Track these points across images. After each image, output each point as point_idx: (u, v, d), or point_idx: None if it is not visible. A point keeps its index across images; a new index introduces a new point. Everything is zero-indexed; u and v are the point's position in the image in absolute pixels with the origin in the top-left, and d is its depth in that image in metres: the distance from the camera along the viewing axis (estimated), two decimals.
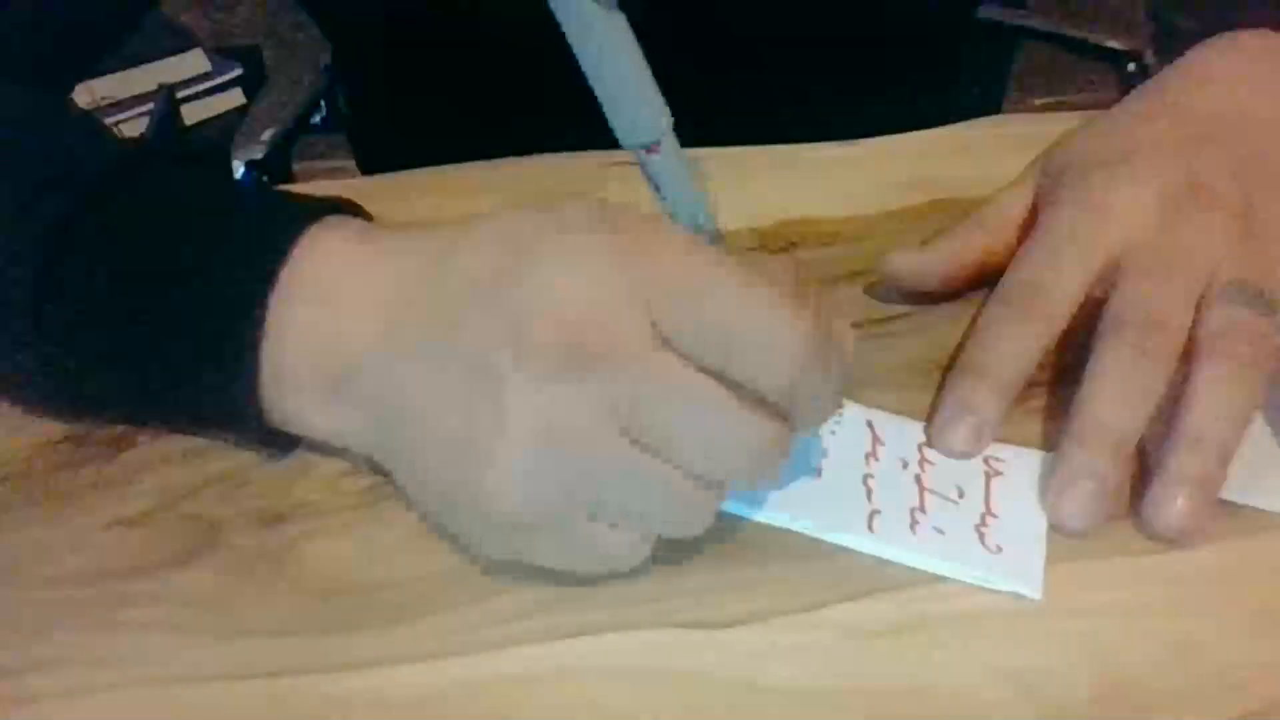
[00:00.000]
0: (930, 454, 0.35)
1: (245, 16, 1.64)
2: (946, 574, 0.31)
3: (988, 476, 0.34)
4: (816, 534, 0.32)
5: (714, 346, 0.27)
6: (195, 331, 0.31)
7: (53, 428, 0.36)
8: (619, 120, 0.28)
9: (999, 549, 0.32)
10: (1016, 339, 0.35)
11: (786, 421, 0.28)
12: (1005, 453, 0.35)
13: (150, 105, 1.35)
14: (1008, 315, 0.36)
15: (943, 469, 0.34)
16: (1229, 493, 0.33)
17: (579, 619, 0.30)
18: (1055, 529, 0.33)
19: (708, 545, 0.32)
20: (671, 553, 0.32)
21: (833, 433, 0.35)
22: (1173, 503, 0.32)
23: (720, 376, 0.27)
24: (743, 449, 0.27)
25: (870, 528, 0.32)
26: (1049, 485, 0.33)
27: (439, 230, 0.31)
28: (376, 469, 0.33)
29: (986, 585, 0.31)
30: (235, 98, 1.45)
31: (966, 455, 0.35)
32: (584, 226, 0.28)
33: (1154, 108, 0.41)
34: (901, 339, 0.40)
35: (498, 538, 0.29)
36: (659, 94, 0.28)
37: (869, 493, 0.33)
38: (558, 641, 0.30)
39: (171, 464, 0.35)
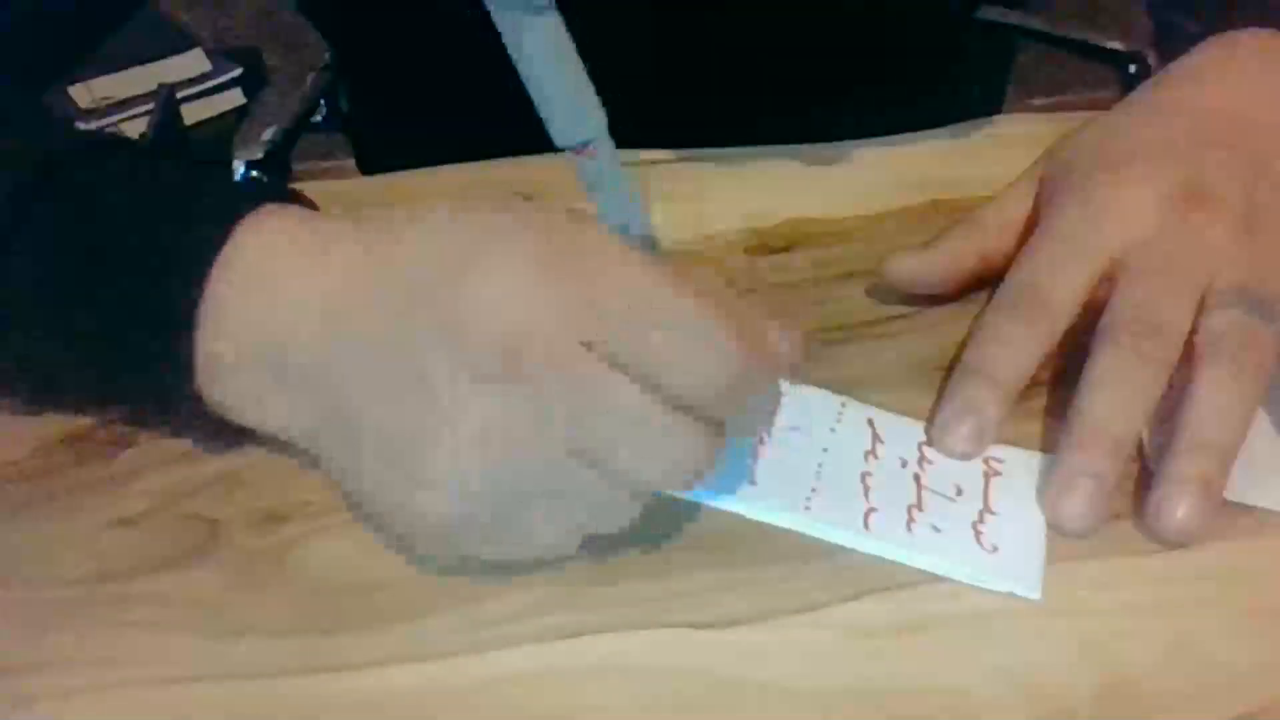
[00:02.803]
0: (930, 453, 0.35)
1: (245, 16, 1.64)
2: (942, 573, 0.31)
3: (987, 477, 0.34)
4: (813, 532, 0.32)
5: (644, 358, 0.27)
6: (129, 320, 0.31)
7: (53, 428, 0.36)
8: (551, 121, 0.28)
9: (995, 549, 0.32)
10: (1018, 340, 0.35)
11: (718, 430, 0.28)
12: (1005, 453, 0.35)
13: (150, 105, 1.35)
14: (1009, 317, 0.36)
15: (942, 469, 0.34)
16: (1230, 493, 0.33)
17: (578, 619, 0.30)
18: (1055, 530, 0.33)
19: (708, 545, 0.32)
20: (671, 553, 0.32)
21: (833, 430, 0.35)
22: (1176, 506, 0.32)
23: (651, 386, 0.27)
24: (666, 460, 0.28)
25: (866, 526, 0.32)
26: (1048, 487, 0.33)
27: (380, 222, 0.30)
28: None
29: (982, 585, 0.31)
30: (235, 98, 1.45)
31: (967, 456, 0.35)
32: (523, 236, 0.28)
33: (1156, 108, 0.41)
34: (901, 339, 0.40)
35: (429, 538, 0.29)
36: (593, 95, 0.28)
37: (866, 491, 0.34)
38: (557, 641, 0.30)
39: (171, 464, 0.35)
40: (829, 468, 0.34)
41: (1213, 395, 0.33)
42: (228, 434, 0.33)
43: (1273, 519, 0.33)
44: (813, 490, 0.33)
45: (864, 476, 0.34)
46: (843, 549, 0.32)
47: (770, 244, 0.44)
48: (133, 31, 0.52)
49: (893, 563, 0.32)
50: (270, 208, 0.32)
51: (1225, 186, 0.36)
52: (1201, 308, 0.34)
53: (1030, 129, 0.48)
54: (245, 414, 0.32)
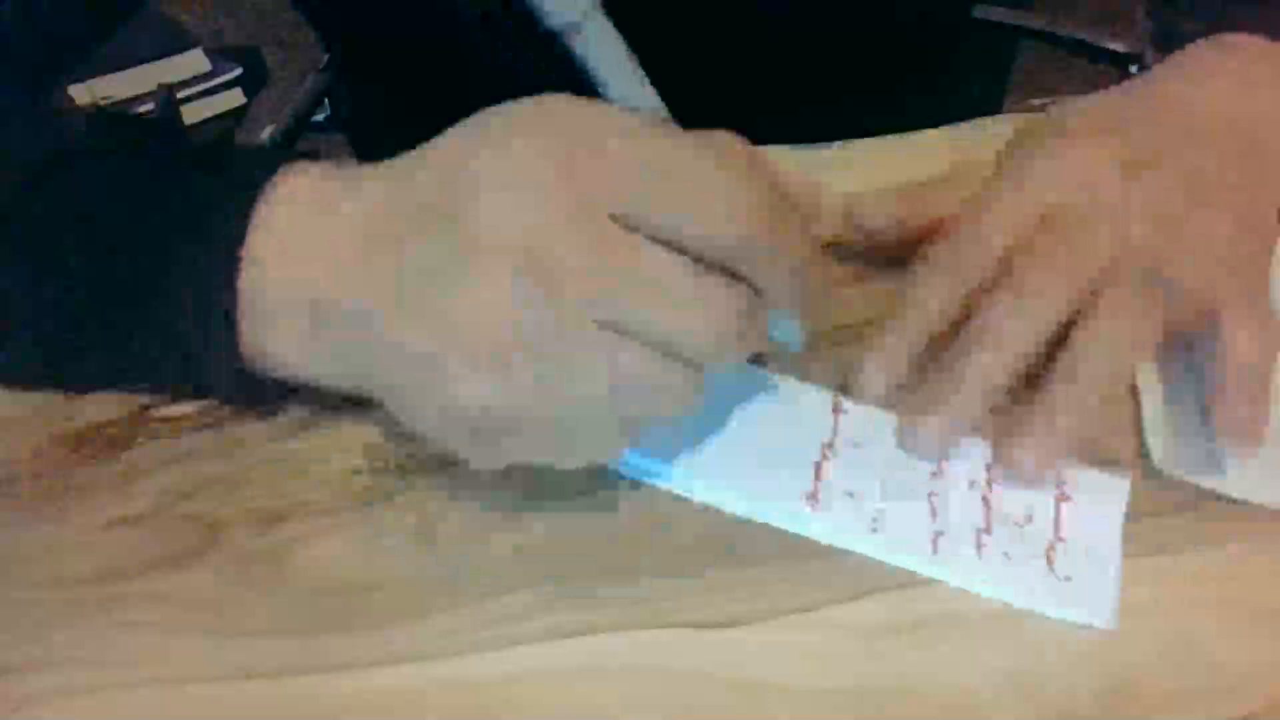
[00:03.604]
0: (997, 474, 0.34)
1: (245, 16, 1.64)
2: (1013, 601, 0.31)
3: (1057, 501, 0.33)
4: (878, 555, 0.32)
5: (670, 214, 0.28)
6: (172, 289, 0.31)
7: (53, 428, 0.36)
8: (539, 4, 0.29)
9: (1068, 578, 0.31)
10: (930, 290, 0.36)
11: (754, 291, 0.29)
12: (1074, 476, 0.34)
13: (150, 105, 1.35)
14: (926, 271, 0.36)
15: (1010, 491, 0.33)
16: (1232, 492, 0.33)
17: (579, 619, 0.30)
18: (904, 450, 0.34)
19: (708, 545, 0.32)
20: (672, 553, 0.32)
21: (898, 447, 0.35)
22: (1022, 445, 0.33)
23: (678, 245, 0.28)
24: (704, 317, 0.28)
25: (935, 549, 0.32)
26: (905, 411, 0.34)
27: (398, 160, 0.31)
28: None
29: (1056, 615, 0.30)
30: (235, 98, 1.45)
31: (877, 401, 0.35)
32: (529, 136, 0.28)
33: (1123, 96, 0.41)
34: None
35: (477, 446, 0.30)
36: None
37: (933, 512, 0.33)
38: (557, 641, 0.30)
39: (171, 464, 0.35)
40: (894, 487, 0.33)
41: (1086, 349, 0.33)
42: (268, 397, 0.34)
43: (1273, 519, 0.33)
44: (878, 510, 0.33)
45: (930, 496, 0.33)
46: (839, 549, 0.32)
47: None
48: (133, 31, 0.52)
49: (892, 563, 0.32)
50: (296, 165, 0.33)
51: (1164, 160, 0.37)
52: (1100, 275, 0.35)
53: None
54: (288, 364, 0.33)
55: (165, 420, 0.36)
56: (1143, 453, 0.35)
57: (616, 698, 0.29)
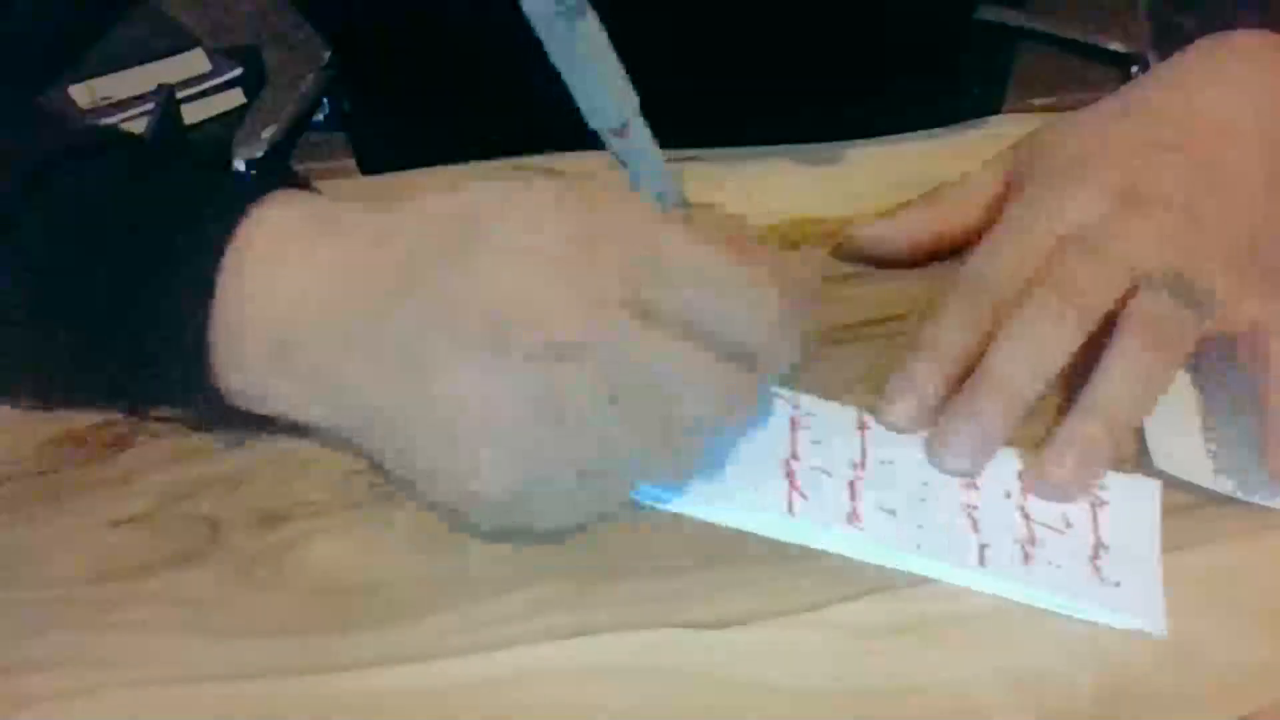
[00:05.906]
0: (1030, 484, 0.34)
1: (245, 16, 1.63)
2: (1065, 610, 0.31)
3: (1094, 507, 0.33)
4: (928, 572, 0.31)
5: (692, 303, 0.29)
6: (145, 310, 0.31)
7: (53, 428, 0.36)
8: (587, 105, 0.30)
9: (1117, 583, 0.31)
10: (960, 321, 0.36)
11: (753, 368, 0.30)
12: (1108, 481, 0.34)
13: (150, 105, 1.34)
14: (954, 302, 0.37)
15: (1045, 500, 0.33)
16: (1231, 490, 0.33)
17: (579, 619, 0.30)
18: (936, 467, 0.34)
19: (708, 545, 0.32)
20: (672, 553, 0.32)
21: (929, 463, 0.34)
22: (1058, 465, 0.33)
23: (694, 334, 0.29)
24: (721, 396, 0.29)
25: (982, 561, 0.31)
26: (937, 428, 0.34)
27: (388, 206, 0.31)
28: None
29: (1106, 621, 0.30)
30: (235, 98, 1.45)
31: (908, 429, 0.35)
32: (532, 215, 0.29)
33: (1125, 109, 0.42)
34: (902, 339, 0.39)
35: (475, 515, 0.30)
36: (625, 79, 0.30)
37: (974, 524, 0.32)
38: (558, 641, 0.30)
39: (171, 464, 0.35)
40: (931, 502, 0.33)
41: (1117, 367, 0.34)
42: (249, 424, 0.34)
43: (1273, 519, 0.33)
44: (919, 527, 0.32)
45: (969, 509, 0.33)
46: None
47: (771, 244, 0.44)
48: (133, 31, 0.53)
49: (891, 563, 0.32)
50: (275, 197, 0.32)
51: (1166, 190, 0.37)
52: (1128, 293, 0.35)
53: (1030, 129, 0.48)
54: (262, 404, 0.32)
55: (165, 420, 0.36)
56: (1144, 453, 0.35)
57: (616, 698, 0.29)
